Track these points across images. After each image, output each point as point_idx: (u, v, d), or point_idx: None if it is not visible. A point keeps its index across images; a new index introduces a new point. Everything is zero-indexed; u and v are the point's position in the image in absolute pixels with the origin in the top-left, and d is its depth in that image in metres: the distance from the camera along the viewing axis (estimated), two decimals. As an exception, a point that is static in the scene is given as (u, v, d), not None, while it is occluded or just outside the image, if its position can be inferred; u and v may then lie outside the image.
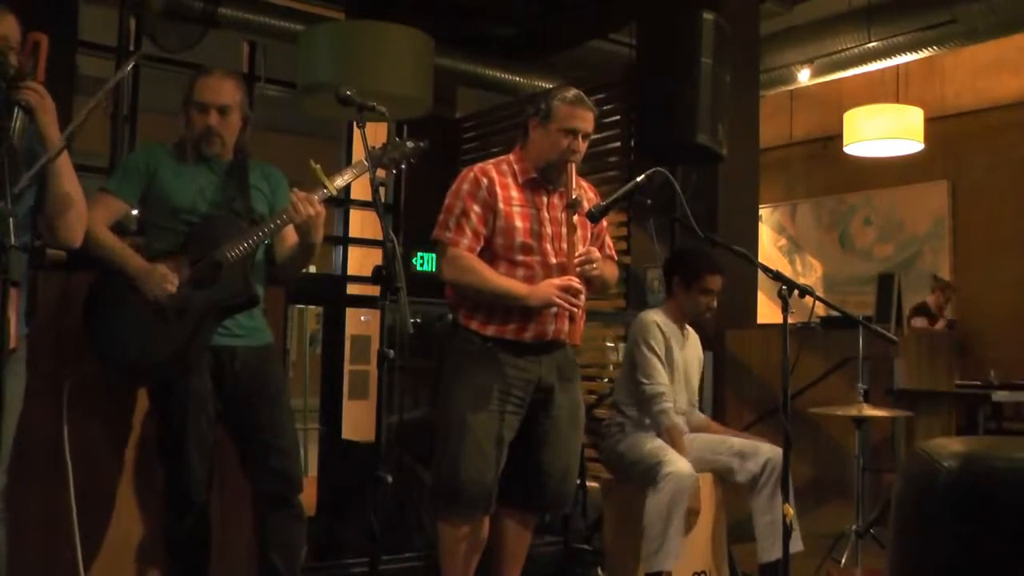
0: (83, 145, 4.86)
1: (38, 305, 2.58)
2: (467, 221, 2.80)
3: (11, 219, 1.94)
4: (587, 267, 2.79)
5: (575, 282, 2.75)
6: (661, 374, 3.36)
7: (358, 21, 5.38)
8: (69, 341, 2.72)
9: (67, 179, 2.26)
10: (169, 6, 5.20)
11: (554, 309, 2.80)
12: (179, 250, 2.56)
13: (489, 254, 2.83)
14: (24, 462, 2.28)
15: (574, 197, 2.82)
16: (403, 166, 2.75)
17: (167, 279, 2.50)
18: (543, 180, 2.90)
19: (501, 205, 2.82)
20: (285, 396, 2.74)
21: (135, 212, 2.74)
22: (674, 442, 3.29)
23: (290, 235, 2.67)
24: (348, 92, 2.41)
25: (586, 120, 2.87)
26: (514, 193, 2.86)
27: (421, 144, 2.79)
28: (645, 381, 3.38)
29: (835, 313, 3.48)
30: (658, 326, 3.42)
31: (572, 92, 2.90)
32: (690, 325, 3.63)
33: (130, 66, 2.59)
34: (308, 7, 6.19)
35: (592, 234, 2.98)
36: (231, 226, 2.61)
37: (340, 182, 2.63)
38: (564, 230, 2.85)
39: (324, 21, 5.69)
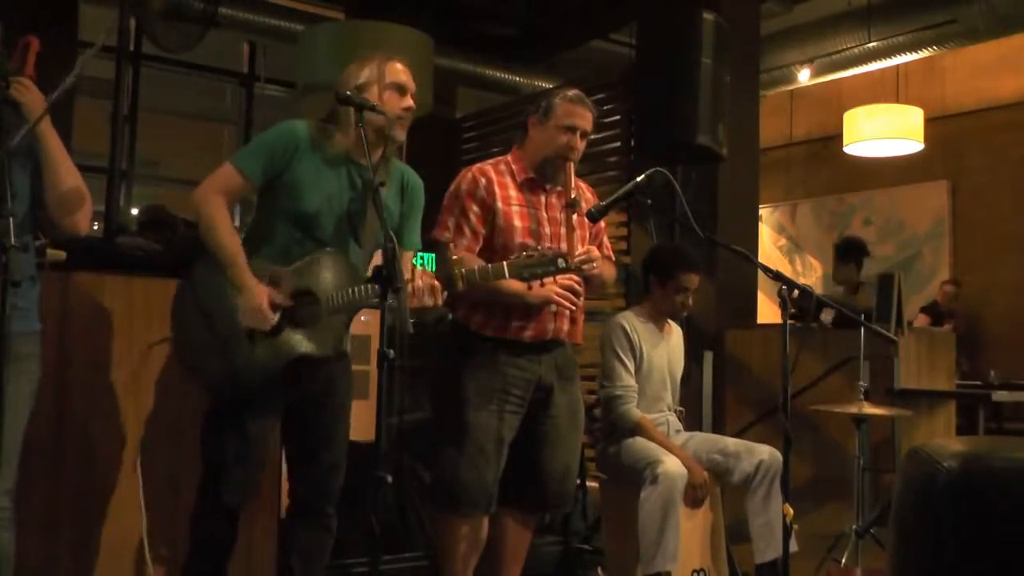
0: (83, 145, 4.86)
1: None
2: (466, 221, 2.81)
3: (11, 219, 1.95)
4: (586, 266, 2.79)
5: (575, 281, 2.75)
6: (621, 377, 3.35)
7: (358, 21, 5.37)
8: (70, 340, 2.72)
9: (68, 174, 2.27)
10: (169, 6, 5.20)
11: (554, 308, 2.80)
12: (284, 265, 2.41)
13: (488, 254, 2.83)
14: (25, 462, 2.28)
15: (573, 196, 2.82)
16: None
17: (266, 315, 2.36)
18: (540, 179, 2.90)
19: (500, 204, 2.82)
20: (347, 409, 2.63)
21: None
22: (651, 436, 3.29)
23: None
24: (348, 92, 2.41)
25: (585, 119, 2.87)
26: (512, 193, 2.86)
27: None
28: (605, 384, 3.39)
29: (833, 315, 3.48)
30: (623, 329, 3.40)
31: (573, 91, 2.91)
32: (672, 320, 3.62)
33: (98, 47, 2.54)
34: (308, 7, 6.19)
35: (590, 234, 2.99)
36: (348, 270, 2.45)
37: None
38: (563, 230, 2.85)
39: (324, 21, 5.69)
